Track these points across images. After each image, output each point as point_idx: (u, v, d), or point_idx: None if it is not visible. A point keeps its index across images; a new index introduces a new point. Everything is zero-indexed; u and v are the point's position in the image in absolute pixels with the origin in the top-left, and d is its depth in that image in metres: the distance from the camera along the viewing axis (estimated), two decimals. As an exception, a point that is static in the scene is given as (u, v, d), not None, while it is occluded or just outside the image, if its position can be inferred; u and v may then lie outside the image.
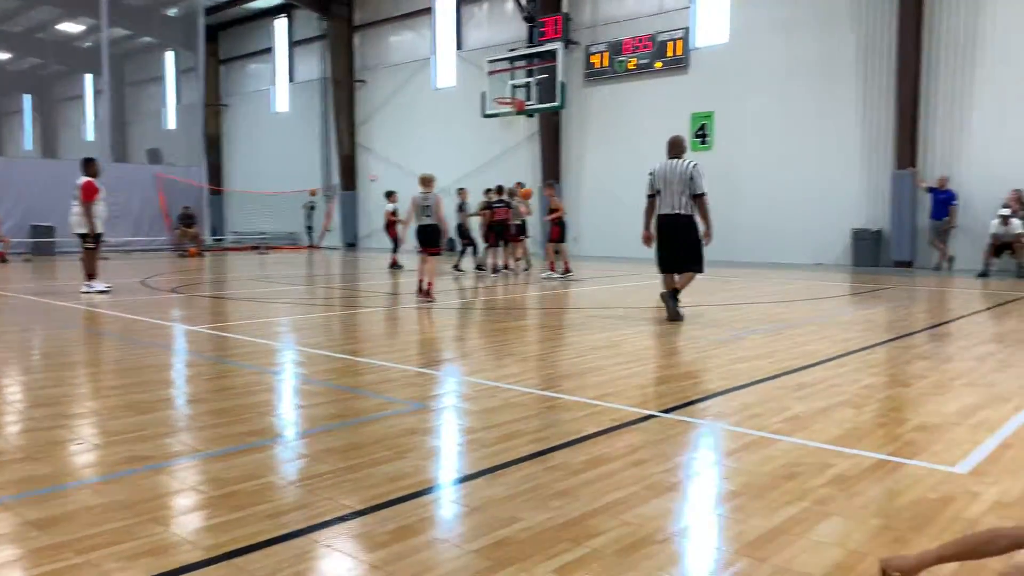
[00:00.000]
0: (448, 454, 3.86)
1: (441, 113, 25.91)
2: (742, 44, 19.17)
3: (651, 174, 8.50)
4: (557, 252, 14.53)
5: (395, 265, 17.06)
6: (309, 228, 27.11)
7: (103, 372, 6.04)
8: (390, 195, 18.34)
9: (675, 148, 8.46)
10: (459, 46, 25.42)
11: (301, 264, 19.79)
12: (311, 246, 27.09)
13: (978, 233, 15.59)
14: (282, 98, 31.79)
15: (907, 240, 16.68)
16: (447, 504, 3.15)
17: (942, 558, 2.28)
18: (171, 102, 33.45)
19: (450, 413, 4.61)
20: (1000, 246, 14.47)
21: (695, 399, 4.91)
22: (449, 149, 25.67)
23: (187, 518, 2.99)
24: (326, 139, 29.75)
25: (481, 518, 2.96)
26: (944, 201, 15.86)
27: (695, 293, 11.34)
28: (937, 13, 16.19)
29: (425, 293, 10.47)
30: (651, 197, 8.47)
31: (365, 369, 5.94)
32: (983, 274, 14.47)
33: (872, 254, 17.10)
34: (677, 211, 8.27)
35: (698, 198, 8.25)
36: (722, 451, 3.85)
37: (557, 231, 14.46)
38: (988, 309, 9.70)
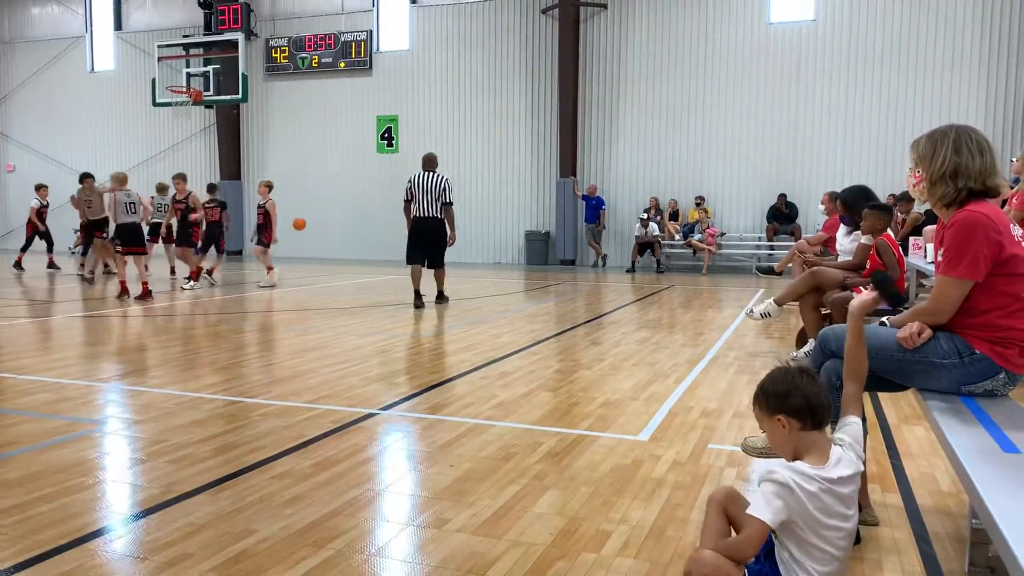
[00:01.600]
0: (160, 473, 3.52)
1: (99, 98, 23.15)
2: (422, 52, 19.90)
3: (409, 182, 9.74)
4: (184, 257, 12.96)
5: (19, 265, 15.10)
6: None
7: None
8: (40, 189, 16.05)
9: (429, 164, 9.82)
10: (118, 26, 22.92)
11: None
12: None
13: (625, 235, 17.98)
14: None
15: (570, 241, 18.63)
16: (171, 525, 2.89)
17: None
18: None
19: (152, 429, 4.21)
20: (643, 246, 16.82)
21: (411, 394, 5.06)
22: (110, 138, 23.09)
23: None
24: (-56, 120, 24.90)
25: (211, 535, 2.78)
26: (595, 207, 18.02)
27: (395, 293, 11.57)
28: (590, 38, 18.32)
29: (147, 294, 10.53)
30: (407, 202, 9.77)
31: (36, 387, 5.16)
32: (631, 270, 16.70)
33: (542, 254, 18.85)
34: (429, 215, 9.63)
35: (448, 206, 9.70)
36: (444, 440, 4.02)
37: (197, 233, 12.63)
38: (638, 300, 11.25)
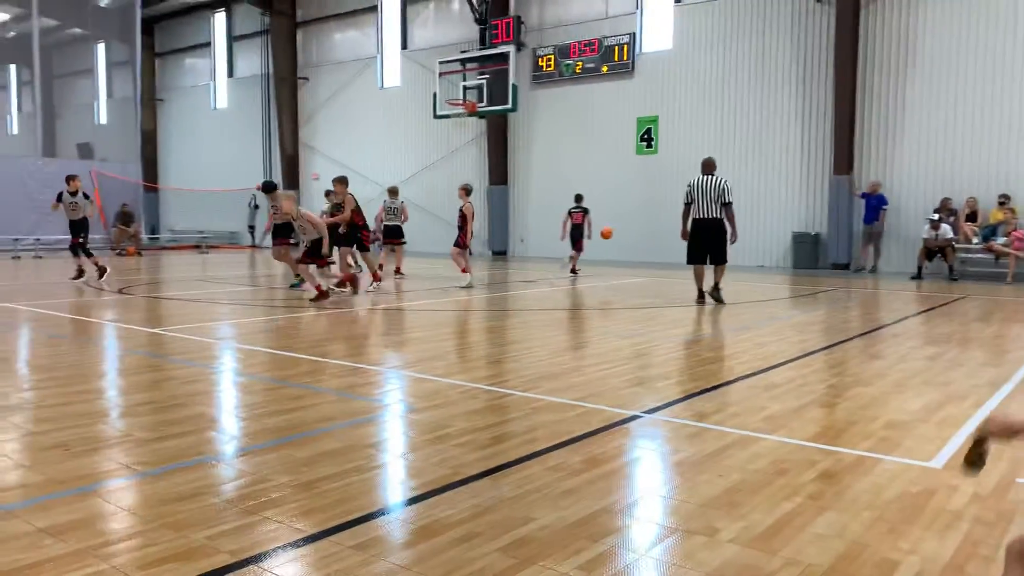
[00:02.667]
0: (449, 455, 3.85)
1: (386, 112, 25.75)
2: (686, 51, 19.62)
3: (689, 186, 10.34)
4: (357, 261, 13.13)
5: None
6: (252, 227, 26.60)
7: (130, 385, 5.85)
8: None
9: (708, 167, 10.40)
10: (404, 45, 25.30)
11: (250, 264, 19.38)
12: (253, 246, 26.56)
13: (908, 237, 16.35)
14: (222, 94, 31.06)
15: (844, 243, 17.34)
16: (460, 504, 3.17)
17: None
18: (102, 95, 32.32)
19: (440, 414, 4.63)
20: (932, 250, 15.17)
21: (675, 399, 5.06)
22: (394, 149, 25.55)
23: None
24: (267, 137, 29.22)
25: (496, 518, 3.02)
26: (875, 206, 16.54)
27: (653, 295, 11.61)
28: (872, 28, 16.89)
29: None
30: (687, 205, 10.32)
31: (343, 371, 5.90)
32: (916, 276, 15.15)
33: (811, 256, 17.73)
34: (710, 216, 10.14)
35: (727, 206, 10.19)
36: (711, 450, 3.98)
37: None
38: (926, 311, 10.19)
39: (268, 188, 12.58)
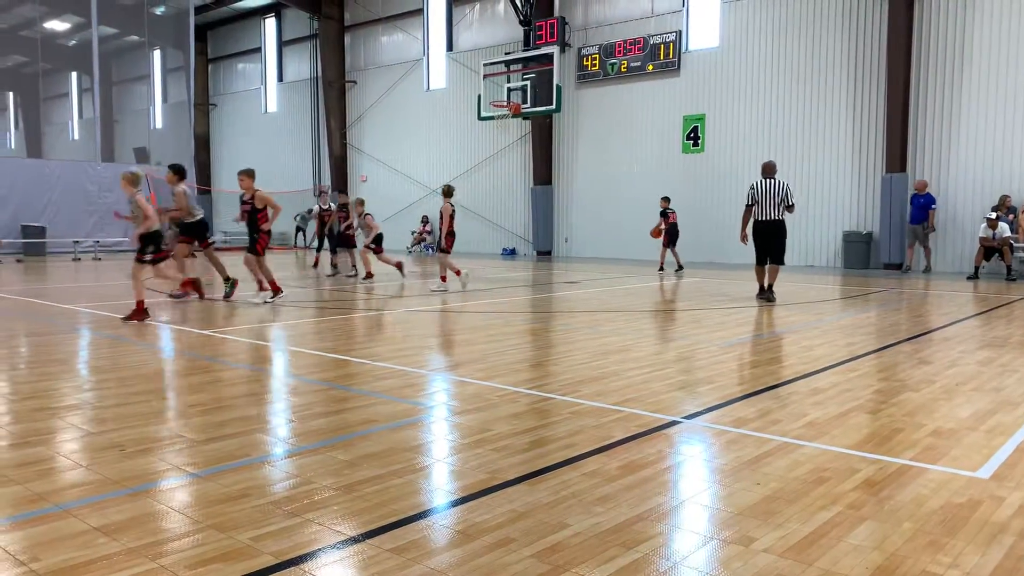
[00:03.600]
0: (486, 459, 3.91)
1: (431, 114, 25.98)
2: (733, 48, 19.39)
3: (752, 188, 10.69)
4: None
5: (315, 265, 17.12)
6: (300, 229, 27.13)
7: (184, 386, 6.06)
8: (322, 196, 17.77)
9: (769, 171, 10.73)
10: (449, 47, 25.49)
11: (300, 265, 19.74)
12: (304, 247, 27.04)
13: (965, 236, 15.89)
14: (272, 98, 31.70)
15: (897, 243, 16.94)
16: (496, 509, 3.22)
17: None
18: (158, 101, 33.27)
19: (480, 418, 4.69)
20: (989, 249, 14.74)
21: (715, 405, 5.03)
22: (440, 150, 25.75)
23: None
24: (316, 139, 29.73)
25: (531, 523, 3.05)
26: (923, 206, 16.11)
27: (698, 296, 11.51)
28: (927, 20, 16.47)
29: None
30: (749, 207, 10.74)
31: (386, 373, 6.00)
32: (973, 277, 14.73)
33: (862, 256, 17.36)
34: (772, 218, 10.55)
35: (791, 208, 10.64)
36: (750, 457, 3.95)
37: (265, 240, 11.27)
38: (981, 313, 9.91)
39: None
